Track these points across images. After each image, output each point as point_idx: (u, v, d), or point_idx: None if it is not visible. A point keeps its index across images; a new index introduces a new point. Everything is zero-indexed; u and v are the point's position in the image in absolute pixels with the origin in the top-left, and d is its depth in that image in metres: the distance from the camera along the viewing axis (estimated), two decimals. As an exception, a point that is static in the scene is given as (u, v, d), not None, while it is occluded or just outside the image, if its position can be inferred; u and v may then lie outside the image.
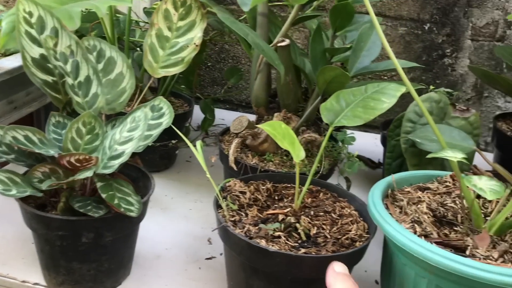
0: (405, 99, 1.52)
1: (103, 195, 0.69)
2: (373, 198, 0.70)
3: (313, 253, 0.63)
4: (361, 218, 0.74)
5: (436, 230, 0.68)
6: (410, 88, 0.72)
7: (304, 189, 0.69)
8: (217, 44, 1.54)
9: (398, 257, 0.67)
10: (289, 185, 0.79)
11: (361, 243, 0.67)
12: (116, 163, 0.70)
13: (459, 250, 0.63)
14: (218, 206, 0.71)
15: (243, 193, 0.73)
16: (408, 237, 0.61)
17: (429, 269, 0.61)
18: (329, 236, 0.67)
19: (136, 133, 0.71)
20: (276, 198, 0.76)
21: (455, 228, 0.70)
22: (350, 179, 0.95)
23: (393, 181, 0.76)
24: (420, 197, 0.75)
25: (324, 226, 0.68)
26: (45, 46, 0.75)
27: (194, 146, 0.73)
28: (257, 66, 0.90)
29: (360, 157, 1.29)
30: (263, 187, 0.76)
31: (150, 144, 0.98)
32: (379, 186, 0.74)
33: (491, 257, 0.62)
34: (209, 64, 1.57)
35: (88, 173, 0.66)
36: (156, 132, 0.79)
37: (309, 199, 0.76)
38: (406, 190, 0.77)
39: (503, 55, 1.19)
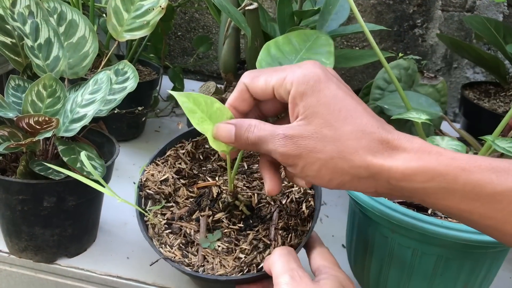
0: (375, 69, 1.53)
1: (65, 159, 0.67)
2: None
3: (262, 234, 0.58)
4: None
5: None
6: (378, 53, 0.72)
7: (234, 171, 0.59)
8: (187, 13, 1.50)
9: (361, 218, 0.67)
10: None
11: (307, 204, 0.61)
12: (78, 126, 0.68)
13: (422, 209, 0.64)
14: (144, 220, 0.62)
15: (165, 181, 0.65)
16: (370, 197, 0.62)
17: (392, 228, 0.62)
18: (272, 202, 0.62)
19: (99, 95, 0.70)
20: (201, 157, 0.69)
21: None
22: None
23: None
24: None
25: (263, 188, 0.63)
26: (1, 5, 0.72)
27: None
28: (225, 31, 0.89)
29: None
30: (183, 151, 0.68)
31: (116, 111, 0.97)
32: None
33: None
34: (179, 33, 1.54)
35: (48, 134, 0.64)
36: (120, 97, 0.77)
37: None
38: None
39: (472, 25, 1.19)
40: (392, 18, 1.41)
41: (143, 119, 1.08)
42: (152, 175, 0.65)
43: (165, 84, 1.26)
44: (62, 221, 0.71)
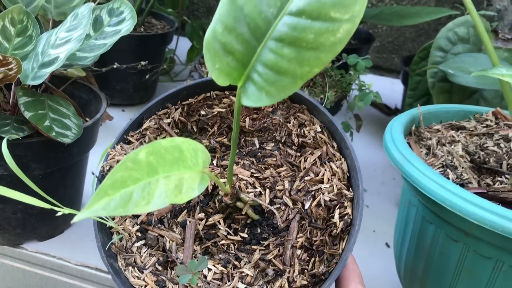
0: (428, 37, 1.30)
1: (28, 114, 0.51)
2: (392, 132, 0.52)
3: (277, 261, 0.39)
4: (335, 148, 0.45)
5: (476, 178, 0.50)
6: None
7: (230, 168, 0.38)
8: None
9: (421, 212, 0.49)
10: (208, 96, 0.48)
11: (341, 212, 0.41)
12: (47, 71, 0.52)
13: (509, 205, 0.46)
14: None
15: None
16: (439, 183, 0.43)
17: (466, 229, 0.44)
18: (291, 204, 0.41)
19: (76, 33, 0.53)
20: (194, 129, 0.48)
21: (499, 178, 0.52)
22: (362, 119, 0.77)
23: (420, 113, 0.58)
24: (453, 137, 0.56)
25: (279, 181, 0.42)
26: None
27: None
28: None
29: (374, 103, 1.10)
30: (168, 120, 0.47)
31: (116, 66, 0.80)
32: (401, 120, 0.55)
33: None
34: (204, -10, 1.36)
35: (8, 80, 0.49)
36: (111, 41, 0.60)
37: (248, 119, 0.46)
38: (435, 128, 0.59)
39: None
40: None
41: (153, 79, 0.91)
42: (119, 161, 0.42)
43: (184, 46, 1.10)
44: (27, 194, 0.55)
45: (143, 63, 0.74)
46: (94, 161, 0.63)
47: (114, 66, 0.76)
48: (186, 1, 1.04)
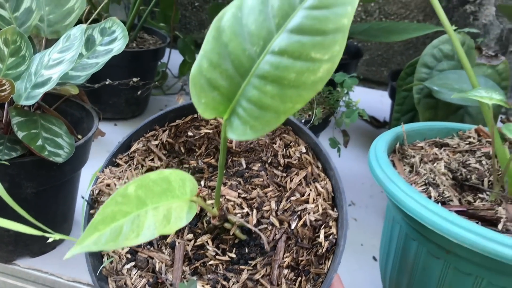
0: (416, 51, 1.33)
1: (20, 134, 0.52)
2: (376, 151, 0.53)
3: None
4: (320, 168, 0.46)
5: (457, 195, 0.51)
6: (443, 18, 0.54)
7: (217, 190, 0.39)
8: (206, -19, 1.34)
9: (404, 229, 0.51)
10: (195, 117, 0.49)
11: (326, 231, 0.42)
12: (41, 92, 0.53)
13: (488, 223, 0.47)
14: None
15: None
16: (420, 203, 0.45)
17: (446, 246, 0.45)
18: (277, 224, 0.42)
19: (68, 54, 0.54)
20: (182, 150, 0.49)
21: (481, 195, 0.53)
22: (349, 134, 0.78)
23: (403, 132, 0.59)
24: (436, 154, 0.58)
25: (266, 201, 0.44)
26: None
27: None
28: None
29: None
30: (156, 142, 0.48)
31: (108, 82, 0.81)
32: (385, 138, 0.57)
33: (533, 234, 0.45)
34: (196, 4, 1.38)
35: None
36: (103, 60, 0.62)
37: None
38: (419, 145, 0.60)
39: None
40: (440, -9, 1.22)
41: (145, 94, 0.93)
42: (108, 185, 0.45)
43: (176, 59, 1.11)
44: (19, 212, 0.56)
45: (135, 79, 0.76)
46: (87, 176, 0.64)
47: (107, 83, 0.78)
48: (178, 15, 1.06)
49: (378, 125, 1.12)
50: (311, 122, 0.69)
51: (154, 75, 0.97)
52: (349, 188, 0.86)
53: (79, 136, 0.63)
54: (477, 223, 0.47)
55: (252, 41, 0.30)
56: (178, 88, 1.11)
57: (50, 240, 0.38)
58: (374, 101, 1.25)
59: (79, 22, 0.73)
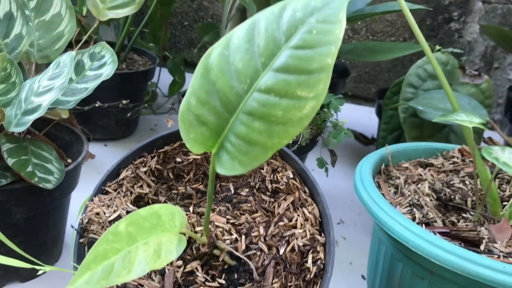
0: (403, 68, 1.35)
1: (10, 161, 0.53)
2: (362, 173, 0.55)
3: None
4: (307, 193, 0.47)
5: (441, 216, 0.53)
6: (421, 40, 0.55)
7: (206, 216, 0.40)
8: (194, 0, 1.36)
9: (390, 250, 0.52)
10: (183, 143, 0.48)
11: (314, 257, 0.43)
12: (31, 119, 0.54)
13: (471, 243, 0.48)
14: None
15: (117, 220, 0.45)
16: (404, 225, 0.46)
17: (430, 268, 0.46)
18: (266, 250, 0.43)
19: (58, 81, 0.55)
20: (171, 176, 0.50)
21: (464, 215, 0.55)
22: (336, 154, 0.79)
23: (388, 153, 0.61)
24: (421, 175, 0.59)
25: (254, 227, 0.44)
26: None
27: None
28: (228, 11, 0.74)
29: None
30: (144, 169, 0.49)
31: (98, 105, 0.82)
32: (370, 159, 0.58)
33: (514, 255, 0.46)
34: (185, 23, 1.39)
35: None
36: (93, 85, 0.62)
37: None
38: (404, 166, 0.62)
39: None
40: (424, 10, 1.25)
41: (136, 115, 0.94)
42: (97, 213, 0.45)
43: (166, 78, 1.12)
44: (9, 238, 0.56)
45: (124, 102, 0.77)
46: (77, 199, 0.65)
47: (96, 105, 0.78)
48: (168, 35, 1.07)
49: (366, 141, 1.13)
50: (298, 143, 0.71)
51: (144, 96, 0.98)
52: (338, 206, 0.87)
53: (69, 160, 0.64)
54: (460, 244, 0.48)
55: (239, 79, 0.31)
56: (168, 107, 1.12)
57: (40, 272, 0.38)
58: (363, 117, 1.27)
59: (69, 44, 0.74)
